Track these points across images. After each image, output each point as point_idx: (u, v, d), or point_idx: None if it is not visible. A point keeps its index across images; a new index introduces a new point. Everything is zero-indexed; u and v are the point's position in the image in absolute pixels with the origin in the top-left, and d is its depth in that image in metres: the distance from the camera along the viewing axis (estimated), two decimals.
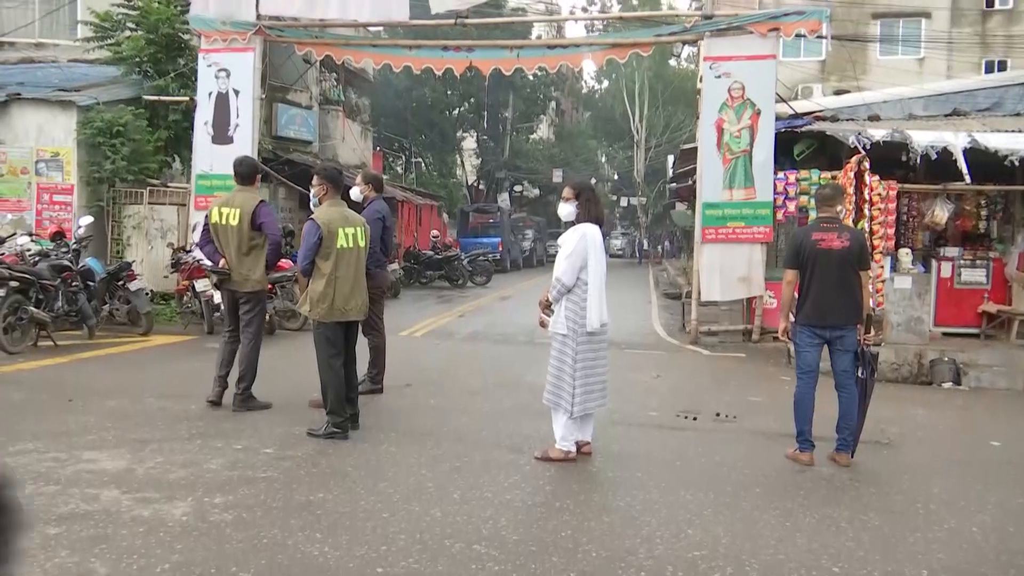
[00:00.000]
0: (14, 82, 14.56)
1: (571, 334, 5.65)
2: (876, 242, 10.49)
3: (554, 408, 5.77)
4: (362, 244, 6.38)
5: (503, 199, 41.55)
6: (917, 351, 9.80)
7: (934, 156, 10.72)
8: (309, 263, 6.22)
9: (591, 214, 5.79)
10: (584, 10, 45.93)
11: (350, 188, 7.52)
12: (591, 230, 5.70)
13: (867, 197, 10.72)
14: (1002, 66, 25.56)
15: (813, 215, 11.13)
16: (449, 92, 35.84)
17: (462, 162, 41.11)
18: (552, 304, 5.76)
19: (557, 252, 5.83)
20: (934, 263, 11.63)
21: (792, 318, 6.13)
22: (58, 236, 11.16)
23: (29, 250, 10.43)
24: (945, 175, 11.01)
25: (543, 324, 5.91)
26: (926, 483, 5.60)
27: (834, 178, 10.98)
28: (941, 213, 11.18)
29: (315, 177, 6.65)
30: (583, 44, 14.19)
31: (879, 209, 10.78)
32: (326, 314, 6.21)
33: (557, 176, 44.50)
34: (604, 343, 5.86)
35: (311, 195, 6.88)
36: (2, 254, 10.21)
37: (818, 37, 12.08)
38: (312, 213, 6.59)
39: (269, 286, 9.12)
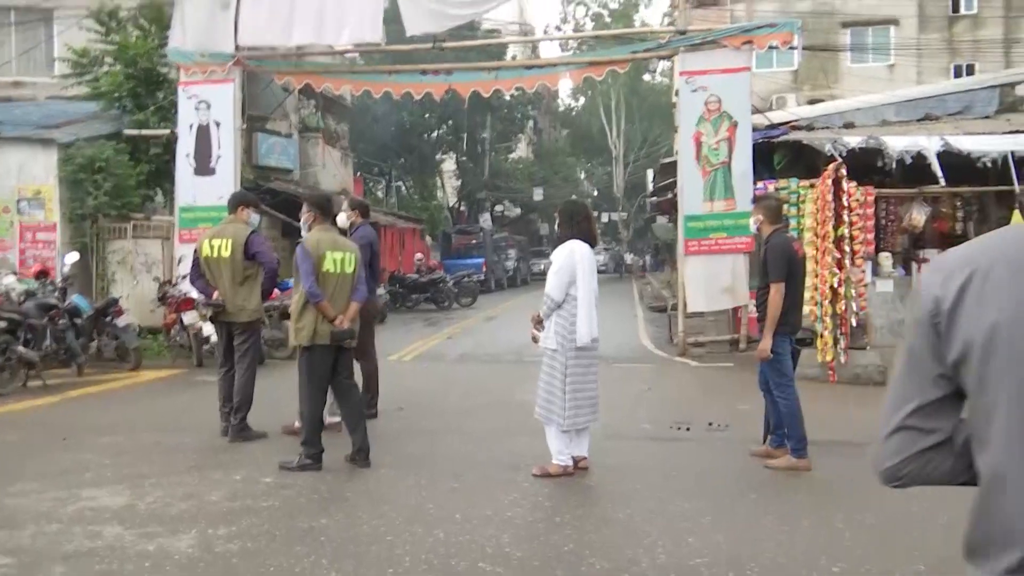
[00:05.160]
0: None
1: (560, 349, 5.73)
2: (856, 247, 10.60)
3: (546, 422, 5.83)
4: (348, 270, 6.25)
5: (485, 219, 41.63)
6: None
7: (909, 161, 10.90)
8: (314, 283, 6.03)
9: (578, 231, 5.88)
10: (557, 28, 46.35)
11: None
12: (580, 247, 5.79)
13: (846, 204, 10.86)
14: (970, 70, 25.97)
15: (794, 223, 11.38)
16: (427, 115, 35.98)
17: (442, 184, 41.19)
18: (543, 319, 5.84)
19: (543, 270, 5.94)
20: (914, 266, 11.79)
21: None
22: (42, 275, 11.12)
23: (15, 290, 10.40)
24: (920, 179, 11.21)
25: (535, 339, 5.99)
26: None
27: (812, 186, 11.15)
28: (919, 216, 11.37)
29: (304, 205, 6.71)
30: (560, 64, 14.39)
31: (858, 215, 10.90)
32: (309, 337, 6.08)
33: (537, 195, 44.77)
34: (594, 359, 5.94)
35: (302, 223, 6.91)
36: None
37: (790, 48, 12.28)
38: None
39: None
